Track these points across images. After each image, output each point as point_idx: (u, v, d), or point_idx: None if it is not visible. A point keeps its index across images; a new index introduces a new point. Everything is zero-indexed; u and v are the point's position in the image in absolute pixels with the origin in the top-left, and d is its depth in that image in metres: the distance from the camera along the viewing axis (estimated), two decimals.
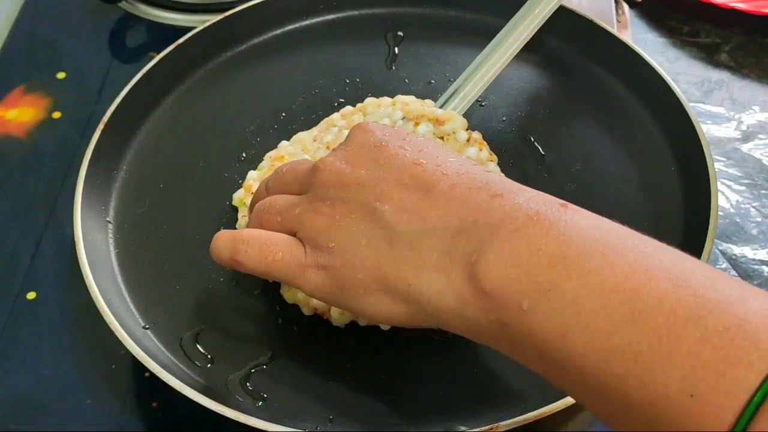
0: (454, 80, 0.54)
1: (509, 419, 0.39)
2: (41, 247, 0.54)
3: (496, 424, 0.39)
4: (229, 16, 0.60)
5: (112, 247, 0.50)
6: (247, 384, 0.43)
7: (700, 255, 0.44)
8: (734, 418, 0.26)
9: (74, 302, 0.50)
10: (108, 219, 0.51)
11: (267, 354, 0.45)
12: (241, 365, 0.44)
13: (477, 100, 0.55)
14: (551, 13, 0.56)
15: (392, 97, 0.54)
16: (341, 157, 0.39)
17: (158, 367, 0.41)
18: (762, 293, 0.28)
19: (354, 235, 0.37)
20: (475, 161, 0.40)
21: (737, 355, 0.26)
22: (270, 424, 0.39)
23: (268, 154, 0.53)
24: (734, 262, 0.53)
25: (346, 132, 0.42)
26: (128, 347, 0.42)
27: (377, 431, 0.42)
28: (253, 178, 0.51)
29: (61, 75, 0.65)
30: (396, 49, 0.61)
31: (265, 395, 0.43)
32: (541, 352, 0.31)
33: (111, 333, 0.43)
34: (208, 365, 0.44)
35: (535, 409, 0.40)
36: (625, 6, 0.69)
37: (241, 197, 0.51)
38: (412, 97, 0.53)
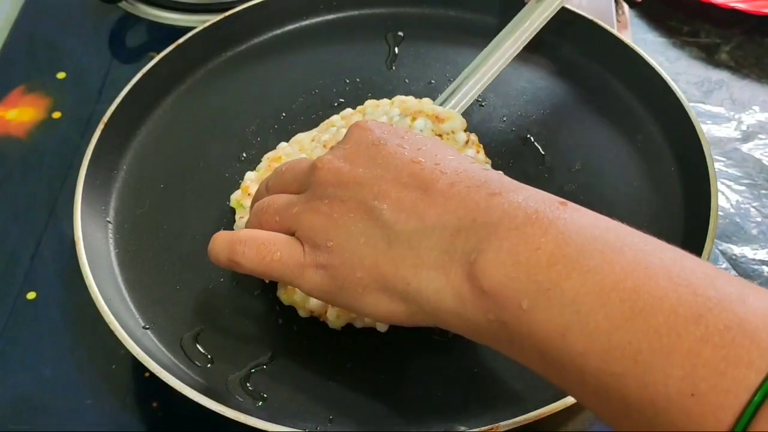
0: (455, 80, 0.54)
1: (509, 419, 0.39)
2: (41, 247, 0.54)
3: (496, 424, 0.39)
4: (229, 16, 0.60)
5: (112, 247, 0.50)
6: (247, 384, 0.43)
7: (700, 255, 0.44)
8: (735, 417, 0.26)
9: (74, 302, 0.50)
10: (108, 219, 0.51)
11: (267, 354, 0.45)
12: (241, 365, 0.44)
13: (477, 100, 0.55)
14: (553, 14, 0.56)
15: (391, 98, 0.54)
16: (339, 156, 0.39)
17: (158, 367, 0.41)
18: (762, 291, 0.28)
19: (352, 234, 0.36)
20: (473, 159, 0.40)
21: (738, 354, 0.26)
22: (270, 424, 0.39)
23: (266, 156, 0.53)
24: (734, 262, 0.53)
25: (344, 131, 0.42)
26: (128, 347, 0.42)
27: (377, 431, 0.42)
28: (251, 179, 0.51)
29: (61, 75, 0.65)
30: (396, 49, 0.61)
31: (265, 395, 0.43)
32: (540, 352, 0.31)
33: (111, 333, 0.43)
34: (208, 365, 0.44)
35: (535, 409, 0.40)
36: (625, 6, 0.69)
37: (239, 198, 0.51)
38: (410, 97, 0.53)
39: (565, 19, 0.58)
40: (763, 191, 0.57)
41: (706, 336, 0.27)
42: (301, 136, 0.53)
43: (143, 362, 0.41)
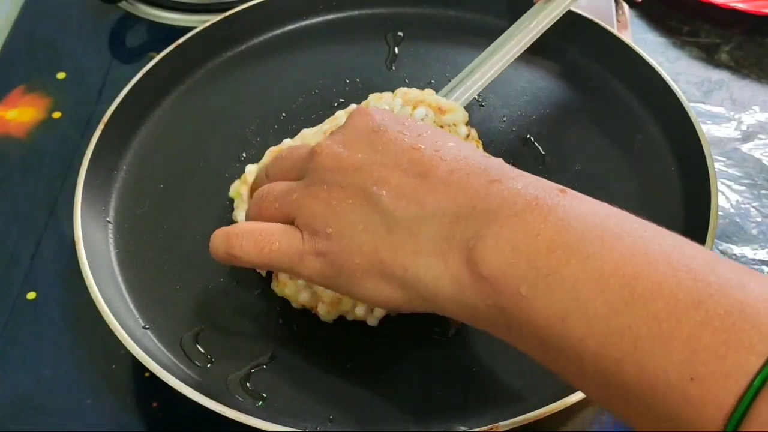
0: (458, 75, 0.54)
1: (509, 419, 0.39)
2: (41, 247, 0.54)
3: (496, 424, 0.39)
4: (229, 16, 0.60)
5: (112, 247, 0.50)
6: (247, 384, 0.43)
7: None
8: (735, 401, 0.26)
9: (74, 302, 0.50)
10: (108, 219, 0.51)
11: (267, 354, 0.45)
12: (241, 365, 0.44)
13: (477, 100, 0.55)
14: (561, 16, 0.56)
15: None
16: (339, 141, 0.39)
17: (158, 367, 0.41)
18: (763, 277, 0.28)
19: (351, 221, 0.36)
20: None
21: (738, 338, 0.26)
22: (270, 424, 0.39)
23: (269, 149, 0.53)
24: None
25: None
26: (128, 347, 0.42)
27: (377, 431, 0.42)
28: (251, 172, 0.51)
29: (61, 75, 0.65)
30: (396, 49, 0.61)
31: (265, 395, 0.43)
32: (539, 338, 0.31)
33: (111, 333, 0.43)
34: (208, 365, 0.44)
35: (535, 409, 0.40)
36: (625, 6, 0.69)
37: (238, 188, 0.50)
38: (414, 89, 0.53)
39: (565, 19, 0.58)
40: (763, 191, 0.57)
41: (706, 320, 0.27)
42: (306, 132, 0.53)
43: (143, 362, 0.41)
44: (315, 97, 0.58)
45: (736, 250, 0.54)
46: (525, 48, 0.55)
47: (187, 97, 0.58)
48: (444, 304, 0.34)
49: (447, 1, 0.62)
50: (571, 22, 0.58)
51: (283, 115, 0.57)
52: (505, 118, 0.56)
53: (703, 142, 0.50)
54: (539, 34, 0.55)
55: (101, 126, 0.53)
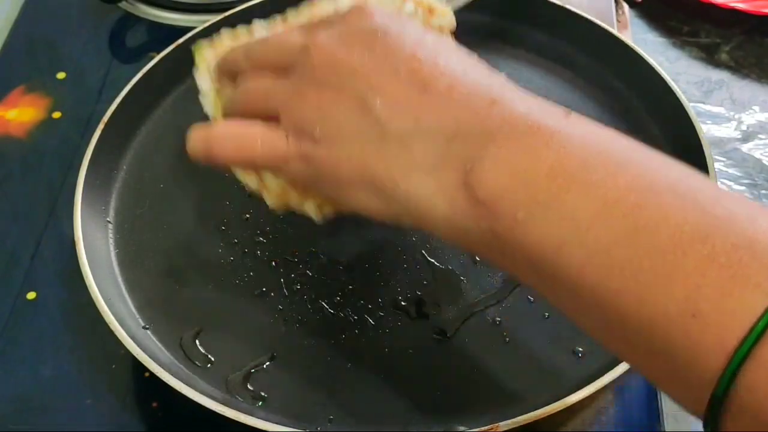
0: None
1: (509, 419, 0.39)
2: (41, 247, 0.54)
3: (496, 424, 0.39)
4: (229, 16, 0.60)
5: (112, 247, 0.50)
6: (247, 384, 0.43)
7: None
8: (738, 340, 0.25)
9: (74, 302, 0.50)
10: (108, 219, 0.51)
11: (267, 354, 0.45)
12: (241, 365, 0.44)
13: None
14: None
15: None
16: (335, 39, 0.36)
17: (158, 367, 0.41)
18: None
19: (342, 126, 0.35)
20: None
21: (745, 275, 0.25)
22: (270, 424, 0.39)
23: (225, 31, 0.47)
24: None
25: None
26: (128, 347, 0.42)
27: (377, 431, 0.42)
28: (227, 37, 0.46)
29: (61, 75, 0.65)
30: None
31: (265, 395, 0.43)
32: (533, 264, 0.30)
33: (111, 333, 0.43)
34: (208, 365, 0.44)
35: (535, 409, 0.40)
36: (625, 6, 0.69)
37: (204, 51, 0.46)
38: None
39: (565, 19, 0.58)
40: (763, 191, 0.57)
41: (713, 255, 0.25)
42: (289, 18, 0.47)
43: (143, 362, 0.41)
44: None
45: None
46: None
47: (187, 97, 0.58)
48: (434, 224, 0.33)
49: (446, 1, 0.62)
50: (571, 22, 0.58)
51: None
52: None
53: (703, 143, 0.50)
54: None
55: (101, 126, 0.53)
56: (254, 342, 0.45)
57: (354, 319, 0.46)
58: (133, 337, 0.43)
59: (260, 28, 0.46)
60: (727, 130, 0.61)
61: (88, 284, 0.45)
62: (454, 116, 0.32)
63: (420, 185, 0.33)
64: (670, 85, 0.53)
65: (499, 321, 0.45)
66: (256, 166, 0.39)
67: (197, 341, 0.45)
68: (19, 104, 0.63)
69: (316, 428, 0.41)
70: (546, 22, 0.59)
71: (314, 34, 0.37)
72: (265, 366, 0.44)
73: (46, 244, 0.54)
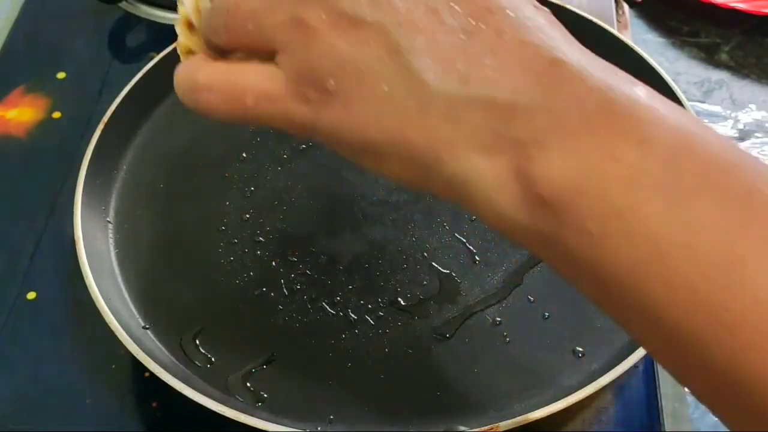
0: None
1: (509, 419, 0.39)
2: (41, 247, 0.54)
3: (496, 424, 0.39)
4: None
5: (112, 247, 0.50)
6: (247, 384, 0.43)
7: None
8: None
9: (74, 302, 0.50)
10: (108, 219, 0.51)
11: (267, 354, 0.45)
12: (241, 365, 0.44)
13: None
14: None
15: None
16: None
17: (158, 367, 0.41)
18: None
19: (366, 79, 0.26)
20: None
21: None
22: (270, 424, 0.39)
23: None
24: None
25: None
26: (128, 347, 0.42)
27: (377, 431, 0.42)
28: None
29: (61, 75, 0.65)
30: None
31: (265, 395, 0.43)
32: (601, 283, 0.25)
33: (111, 333, 0.43)
34: (208, 365, 0.44)
35: (535, 409, 0.39)
36: (625, 6, 0.69)
37: None
38: None
39: (565, 19, 0.58)
40: None
41: None
42: None
43: (143, 362, 0.41)
44: None
45: None
46: None
47: None
48: (481, 210, 0.27)
49: None
50: (571, 22, 0.58)
51: None
52: None
53: None
54: None
55: (101, 126, 0.53)
56: (254, 342, 0.45)
57: (354, 319, 0.46)
58: (133, 337, 0.42)
59: None
60: (723, 129, 0.61)
61: (88, 284, 0.45)
62: (512, 80, 0.25)
63: (468, 166, 0.26)
64: (670, 85, 0.53)
65: (499, 321, 0.45)
66: (250, 122, 0.31)
67: (197, 341, 0.45)
68: (19, 104, 0.63)
69: (316, 428, 0.41)
70: None
71: None
72: (265, 366, 0.44)
73: (46, 244, 0.54)
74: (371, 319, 0.46)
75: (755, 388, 0.22)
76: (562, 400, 0.39)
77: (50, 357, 0.49)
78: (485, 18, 0.26)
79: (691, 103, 0.54)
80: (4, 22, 0.70)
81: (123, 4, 0.69)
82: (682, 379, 0.25)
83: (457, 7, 0.26)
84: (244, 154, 0.54)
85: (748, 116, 0.61)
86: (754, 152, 0.59)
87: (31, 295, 0.51)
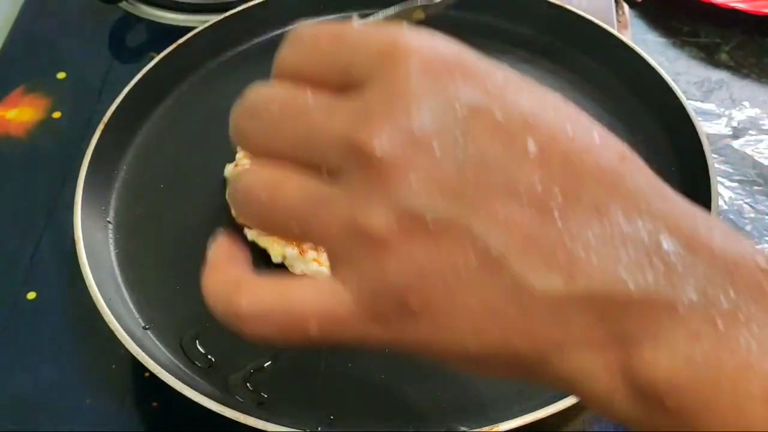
0: None
1: (509, 419, 0.39)
2: (41, 247, 0.54)
3: (496, 424, 0.39)
4: (229, 16, 0.60)
5: (112, 247, 0.50)
6: (247, 384, 0.43)
7: None
8: None
9: (74, 302, 0.50)
10: (108, 219, 0.51)
11: (267, 354, 0.45)
12: (241, 365, 0.44)
13: None
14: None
15: None
16: (403, 130, 0.22)
17: (158, 367, 0.41)
18: None
19: (458, 291, 0.22)
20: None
21: None
22: (270, 424, 0.39)
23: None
24: None
25: None
26: (128, 347, 0.42)
27: (377, 431, 0.42)
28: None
29: (61, 75, 0.65)
30: None
31: (265, 395, 0.43)
32: None
33: (111, 333, 0.43)
34: (209, 365, 0.44)
35: (535, 409, 0.39)
36: (625, 6, 0.68)
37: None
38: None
39: (565, 19, 0.58)
40: (755, 188, 0.57)
41: None
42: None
43: (143, 362, 0.41)
44: None
45: None
46: None
47: (187, 97, 0.58)
48: (590, 403, 0.24)
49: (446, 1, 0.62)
50: (571, 22, 0.58)
51: None
52: None
53: (703, 142, 0.50)
54: None
55: (101, 126, 0.53)
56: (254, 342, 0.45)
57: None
58: (133, 337, 0.42)
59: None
60: (717, 127, 0.61)
61: (88, 284, 0.45)
62: (620, 268, 0.22)
63: (576, 366, 0.23)
64: (670, 85, 0.53)
65: None
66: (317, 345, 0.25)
67: (197, 341, 0.45)
68: (19, 104, 0.63)
69: (317, 428, 0.41)
70: (546, 23, 0.59)
71: (366, 124, 0.22)
72: (265, 366, 0.44)
73: (46, 244, 0.54)
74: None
75: None
76: (562, 400, 0.39)
77: (50, 357, 0.49)
78: (576, 191, 0.22)
79: (691, 102, 0.54)
80: (4, 22, 0.70)
81: (123, 4, 0.69)
82: None
83: (540, 186, 0.22)
84: None
85: (741, 114, 0.61)
86: (748, 150, 0.59)
87: (31, 295, 0.51)
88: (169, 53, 0.57)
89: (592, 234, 0.22)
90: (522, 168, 0.22)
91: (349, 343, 0.24)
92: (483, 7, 0.61)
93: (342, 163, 0.23)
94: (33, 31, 0.69)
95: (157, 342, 0.45)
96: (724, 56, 0.66)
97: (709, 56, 0.66)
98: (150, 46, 0.66)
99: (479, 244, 0.22)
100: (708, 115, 0.61)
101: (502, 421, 0.39)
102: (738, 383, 0.21)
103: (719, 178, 0.57)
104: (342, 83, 0.24)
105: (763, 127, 0.60)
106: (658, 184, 0.24)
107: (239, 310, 0.26)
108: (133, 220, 0.51)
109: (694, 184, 0.49)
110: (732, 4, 0.66)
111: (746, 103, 0.62)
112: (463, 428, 0.40)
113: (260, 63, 0.62)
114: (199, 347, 0.45)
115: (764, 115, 0.61)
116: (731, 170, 0.58)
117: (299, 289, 0.24)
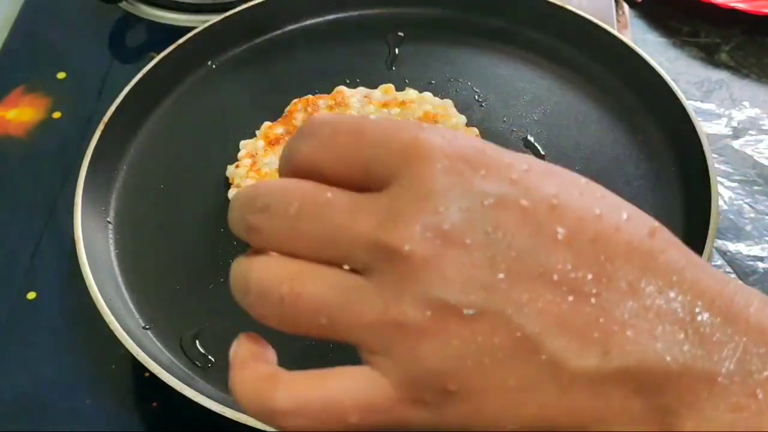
0: (455, 80, 0.54)
1: None
2: (41, 247, 0.54)
3: None
4: (229, 16, 0.60)
5: (112, 247, 0.50)
6: None
7: (701, 254, 0.44)
8: None
9: (74, 302, 0.50)
10: (108, 219, 0.51)
11: None
12: None
13: (477, 100, 0.55)
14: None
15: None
16: (433, 226, 0.23)
17: (158, 367, 0.41)
18: None
19: (496, 373, 0.23)
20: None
21: None
22: None
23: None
24: (730, 259, 0.53)
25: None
26: (128, 347, 0.42)
27: None
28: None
29: (61, 75, 0.65)
30: (396, 50, 0.61)
31: None
32: None
33: (111, 333, 0.43)
34: (209, 365, 0.44)
35: None
36: (625, 6, 0.68)
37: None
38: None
39: (565, 19, 0.58)
40: (755, 188, 0.57)
41: None
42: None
43: (143, 362, 0.41)
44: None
45: (731, 246, 0.54)
46: None
47: (187, 97, 0.58)
48: None
49: (447, 1, 0.62)
50: (571, 22, 0.58)
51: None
52: (505, 118, 0.56)
53: (703, 142, 0.50)
54: None
55: (101, 126, 0.53)
56: None
57: None
58: (133, 337, 0.42)
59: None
60: (717, 127, 0.61)
61: (88, 284, 0.45)
62: (656, 341, 0.22)
63: None
64: (670, 85, 0.53)
65: None
66: None
67: (197, 341, 0.45)
68: (19, 104, 0.63)
69: None
70: (546, 23, 0.59)
71: (396, 225, 0.23)
72: None
73: (46, 244, 0.54)
74: None
75: None
76: None
77: (50, 357, 0.49)
78: (608, 271, 0.23)
79: (691, 102, 0.54)
80: (4, 22, 0.70)
81: (123, 4, 0.69)
82: None
83: (571, 270, 0.23)
84: None
85: (741, 114, 0.61)
86: (748, 150, 0.59)
87: (31, 295, 0.51)
88: (169, 53, 0.57)
89: (625, 310, 0.23)
90: (552, 253, 0.23)
91: (389, 429, 0.24)
92: (483, 7, 0.61)
93: (369, 261, 0.24)
94: (33, 31, 0.69)
95: (157, 342, 0.45)
96: (724, 56, 0.66)
97: (709, 56, 0.66)
98: (150, 46, 0.66)
99: (513, 326, 0.22)
100: (708, 115, 0.61)
101: None
102: None
103: (719, 178, 0.57)
104: (362, 181, 0.24)
105: (763, 127, 0.60)
106: (689, 256, 0.24)
107: (275, 405, 0.25)
108: (133, 220, 0.51)
109: (694, 184, 0.49)
110: (732, 4, 0.66)
111: (746, 103, 0.62)
112: None
113: (260, 63, 0.63)
114: (199, 347, 0.45)
115: (764, 115, 0.61)
116: (731, 170, 0.58)
117: (336, 381, 0.25)
